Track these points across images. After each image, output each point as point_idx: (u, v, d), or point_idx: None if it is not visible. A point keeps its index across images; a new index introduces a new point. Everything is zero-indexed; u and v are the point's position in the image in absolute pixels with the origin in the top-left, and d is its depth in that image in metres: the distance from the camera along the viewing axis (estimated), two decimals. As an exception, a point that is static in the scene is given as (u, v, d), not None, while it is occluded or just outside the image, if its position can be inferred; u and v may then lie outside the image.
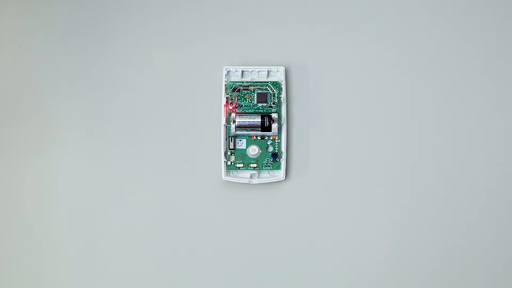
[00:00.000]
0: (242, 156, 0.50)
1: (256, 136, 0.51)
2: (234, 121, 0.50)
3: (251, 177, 0.50)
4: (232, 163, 0.50)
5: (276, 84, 0.51)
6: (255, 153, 0.50)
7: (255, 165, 0.51)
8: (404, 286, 0.49)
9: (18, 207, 0.50)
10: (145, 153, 0.51)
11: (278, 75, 0.52)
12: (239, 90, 0.51)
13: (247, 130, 0.50)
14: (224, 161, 0.50)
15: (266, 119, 0.50)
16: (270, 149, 0.51)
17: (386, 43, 0.53)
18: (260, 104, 0.51)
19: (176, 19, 0.53)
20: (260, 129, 0.50)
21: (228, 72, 0.51)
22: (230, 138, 0.50)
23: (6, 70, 0.52)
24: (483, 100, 0.51)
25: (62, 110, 0.52)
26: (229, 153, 0.50)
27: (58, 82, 0.52)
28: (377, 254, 0.49)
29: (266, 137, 0.51)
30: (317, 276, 0.50)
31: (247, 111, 0.51)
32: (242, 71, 0.51)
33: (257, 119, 0.50)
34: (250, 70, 0.51)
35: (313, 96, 0.51)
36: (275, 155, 0.50)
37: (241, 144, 0.51)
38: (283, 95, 0.51)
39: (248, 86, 0.51)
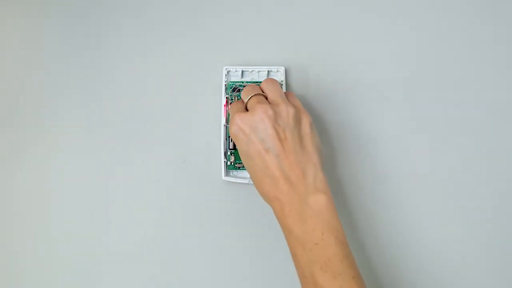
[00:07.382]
0: (242, 156, 0.50)
1: (256, 136, 0.51)
2: (234, 121, 0.50)
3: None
4: (232, 163, 0.50)
5: (276, 84, 0.51)
6: (255, 153, 0.50)
7: (255, 165, 0.50)
8: (404, 286, 0.49)
9: (18, 207, 0.50)
10: (146, 154, 0.51)
11: (278, 75, 0.52)
12: (239, 90, 0.51)
13: (247, 130, 0.50)
14: (224, 161, 0.50)
15: (266, 119, 0.50)
16: (270, 149, 0.51)
17: (386, 43, 0.53)
18: (260, 104, 0.51)
19: (177, 20, 0.53)
20: (260, 129, 0.50)
21: (228, 72, 0.51)
22: (230, 138, 0.50)
23: (6, 70, 0.52)
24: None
25: (62, 111, 0.52)
26: (229, 153, 0.50)
27: (59, 83, 0.52)
28: (377, 254, 0.49)
29: (266, 137, 0.51)
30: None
31: (247, 111, 0.51)
32: (242, 71, 0.52)
33: (257, 119, 0.50)
34: (250, 70, 0.52)
35: (313, 96, 0.51)
36: (275, 155, 0.50)
37: (241, 144, 0.51)
38: (283, 95, 0.51)
39: (248, 86, 0.51)
